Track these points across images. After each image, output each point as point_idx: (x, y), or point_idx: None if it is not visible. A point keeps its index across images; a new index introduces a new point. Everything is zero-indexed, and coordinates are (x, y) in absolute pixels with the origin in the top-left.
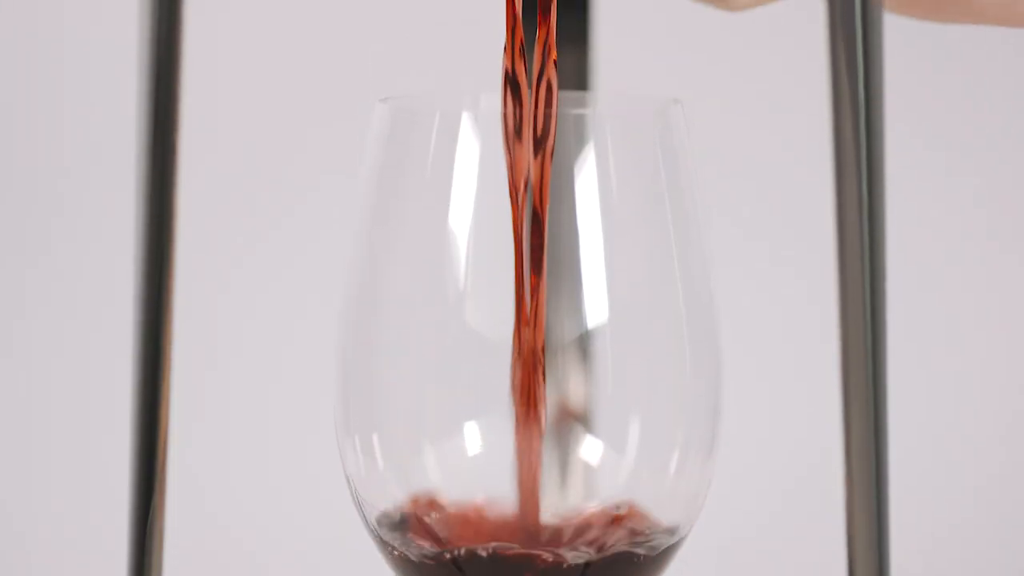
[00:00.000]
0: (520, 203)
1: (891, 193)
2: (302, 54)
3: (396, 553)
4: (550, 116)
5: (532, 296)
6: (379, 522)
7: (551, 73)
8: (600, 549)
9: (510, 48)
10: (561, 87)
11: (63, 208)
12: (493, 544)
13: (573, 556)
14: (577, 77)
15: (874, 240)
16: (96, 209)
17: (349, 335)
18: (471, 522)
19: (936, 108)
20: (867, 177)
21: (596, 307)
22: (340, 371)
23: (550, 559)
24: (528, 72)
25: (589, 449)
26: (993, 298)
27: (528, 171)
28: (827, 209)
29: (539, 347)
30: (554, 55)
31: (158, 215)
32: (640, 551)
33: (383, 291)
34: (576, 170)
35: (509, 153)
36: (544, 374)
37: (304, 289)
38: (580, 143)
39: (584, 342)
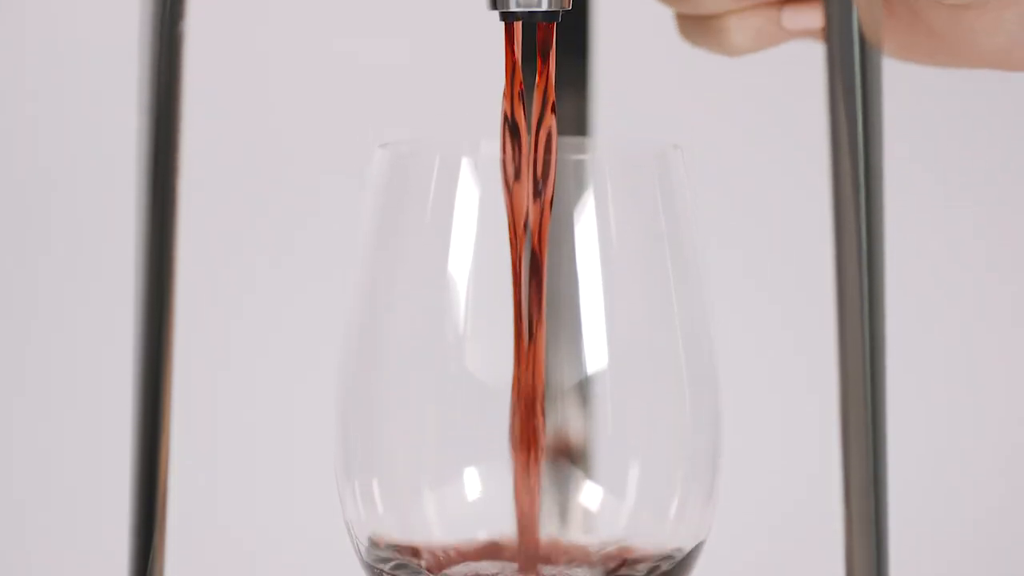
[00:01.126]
0: (519, 248)
1: (889, 221)
2: (304, 95)
3: None
4: (550, 161)
5: (531, 340)
6: (377, 566)
7: (551, 118)
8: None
9: (509, 93)
10: (560, 132)
11: (62, 218)
12: None
13: None
14: (576, 122)
15: (873, 277)
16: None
17: (349, 379)
18: (470, 565)
19: (934, 140)
20: (866, 218)
21: (595, 351)
22: (340, 416)
23: None
24: (527, 116)
25: (589, 493)
26: (992, 330)
27: (527, 216)
28: (826, 249)
29: (538, 391)
30: (553, 100)
31: (158, 256)
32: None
33: (383, 335)
34: (576, 215)
35: (508, 198)
36: (544, 418)
37: (304, 328)
38: (580, 188)
39: (583, 386)
